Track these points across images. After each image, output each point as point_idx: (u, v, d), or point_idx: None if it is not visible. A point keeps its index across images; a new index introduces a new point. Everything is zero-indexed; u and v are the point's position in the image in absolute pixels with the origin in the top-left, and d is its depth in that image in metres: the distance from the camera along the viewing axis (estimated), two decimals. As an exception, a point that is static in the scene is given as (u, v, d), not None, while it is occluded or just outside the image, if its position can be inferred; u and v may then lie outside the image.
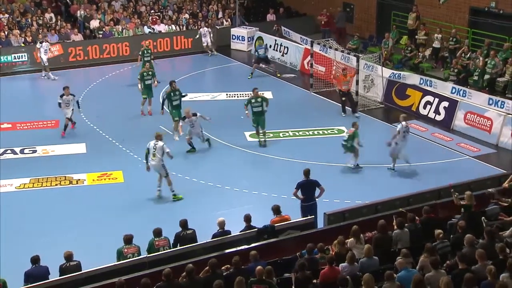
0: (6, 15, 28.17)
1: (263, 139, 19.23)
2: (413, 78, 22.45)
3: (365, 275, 9.79)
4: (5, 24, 27.67)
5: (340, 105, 22.17)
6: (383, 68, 23.26)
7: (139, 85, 21.68)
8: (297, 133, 20.45)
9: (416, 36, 26.36)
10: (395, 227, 11.89)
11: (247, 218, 12.76)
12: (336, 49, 23.93)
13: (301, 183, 14.13)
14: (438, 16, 26.59)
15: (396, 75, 22.79)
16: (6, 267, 11.20)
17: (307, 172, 14.26)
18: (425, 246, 10.77)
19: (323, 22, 30.30)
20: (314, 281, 10.48)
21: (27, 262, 11.36)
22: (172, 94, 19.73)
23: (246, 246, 11.90)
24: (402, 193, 14.34)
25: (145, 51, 24.59)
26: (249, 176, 17.42)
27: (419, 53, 25.51)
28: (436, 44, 25.48)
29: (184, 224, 12.55)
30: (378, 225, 11.80)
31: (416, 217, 12.21)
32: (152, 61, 24.20)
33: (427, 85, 21.93)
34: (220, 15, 31.75)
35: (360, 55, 23.58)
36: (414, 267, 10.49)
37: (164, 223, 12.82)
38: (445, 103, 21.25)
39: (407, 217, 12.16)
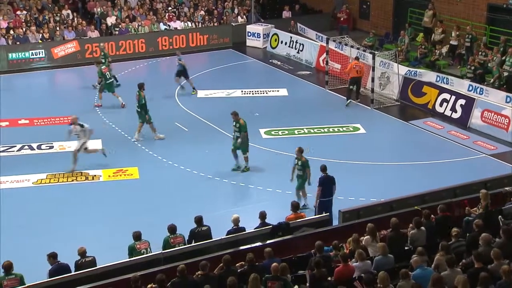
0: (24, 12, 28.39)
1: (243, 166, 17.59)
2: (429, 76, 22.33)
3: (380, 273, 9.77)
4: (23, 20, 27.90)
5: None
6: (399, 65, 23.16)
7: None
8: (312, 130, 20.42)
9: (433, 34, 26.20)
10: (412, 227, 11.81)
11: (262, 215, 12.78)
12: (352, 46, 23.85)
13: (322, 179, 14.16)
14: (455, 13, 26.42)
15: (412, 73, 22.68)
16: (23, 262, 11.27)
17: (324, 168, 14.37)
18: (440, 245, 10.72)
19: (342, 19, 30.33)
20: (329, 278, 10.45)
21: (43, 257, 11.43)
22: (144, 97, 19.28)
23: (261, 243, 11.89)
24: (418, 191, 14.26)
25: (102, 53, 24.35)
26: (263, 173, 17.43)
27: (436, 51, 25.35)
28: (453, 41, 25.30)
29: (199, 220, 12.60)
30: (392, 223, 11.75)
31: (432, 215, 12.17)
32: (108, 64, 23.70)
33: (444, 83, 21.80)
34: (235, 12, 31.77)
35: (376, 52, 23.49)
36: (429, 265, 10.44)
37: (179, 219, 12.85)
38: (462, 101, 21.12)
39: (423, 213, 12.11)
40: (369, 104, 22.47)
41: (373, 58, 22.48)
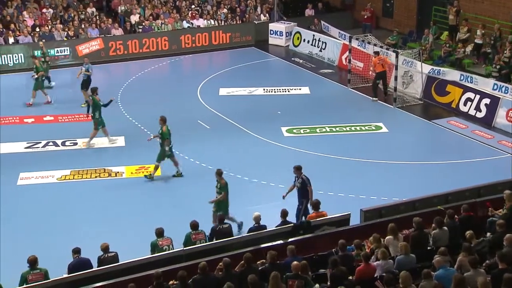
0: (50, 10, 28.72)
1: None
2: (453, 75, 22.13)
3: (402, 273, 9.73)
4: (48, 18, 28.22)
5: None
6: (423, 64, 22.99)
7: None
8: (334, 129, 20.36)
9: (458, 33, 25.97)
10: (434, 226, 11.73)
11: (284, 213, 12.78)
12: (375, 45, 23.73)
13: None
14: (480, 11, 26.15)
15: (436, 71, 22.49)
16: (47, 258, 11.41)
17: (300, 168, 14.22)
18: (462, 245, 10.64)
19: (366, 17, 30.24)
20: (350, 277, 10.45)
21: (67, 253, 11.58)
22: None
23: (282, 241, 11.88)
24: (441, 190, 14.15)
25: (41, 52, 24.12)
26: (285, 171, 17.33)
27: (460, 49, 25.12)
28: (478, 40, 25.04)
29: (221, 218, 12.65)
30: (415, 222, 11.68)
31: (455, 215, 12.08)
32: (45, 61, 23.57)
33: (468, 82, 21.59)
34: (258, 10, 31.78)
35: (399, 50, 23.34)
36: (452, 265, 10.38)
37: (201, 216, 12.90)
38: (487, 100, 20.90)
39: (447, 213, 12.01)
40: (392, 103, 22.35)
41: (396, 57, 22.33)
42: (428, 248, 11.48)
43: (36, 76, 21.80)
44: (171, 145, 16.68)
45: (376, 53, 22.85)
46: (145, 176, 16.86)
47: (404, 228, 12.09)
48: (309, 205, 13.65)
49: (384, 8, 31.87)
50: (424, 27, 27.59)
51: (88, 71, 21.93)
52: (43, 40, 25.64)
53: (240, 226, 14.07)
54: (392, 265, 10.64)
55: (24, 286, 10.74)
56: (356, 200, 15.21)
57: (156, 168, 16.81)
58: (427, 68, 22.91)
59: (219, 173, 14.11)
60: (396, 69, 22.43)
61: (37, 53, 23.80)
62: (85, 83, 21.86)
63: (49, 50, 24.53)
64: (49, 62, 23.77)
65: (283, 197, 14.12)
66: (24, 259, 11.16)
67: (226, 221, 13.27)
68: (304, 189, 13.94)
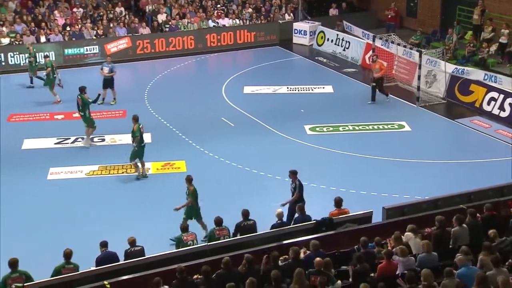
0: (80, 9, 29.21)
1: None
2: (477, 74, 22.07)
3: (424, 270, 9.74)
4: (78, 17, 28.72)
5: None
6: (446, 63, 22.97)
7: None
8: (356, 127, 20.47)
9: (482, 32, 25.87)
10: (454, 224, 11.81)
11: (300, 208, 12.95)
12: (398, 44, 23.77)
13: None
14: (505, 11, 26.00)
15: (460, 71, 22.45)
16: (75, 251, 11.55)
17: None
18: (482, 244, 10.66)
19: (389, 16, 30.23)
20: (372, 274, 10.50)
21: (95, 247, 11.85)
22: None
23: (304, 238, 11.96)
24: (464, 189, 14.14)
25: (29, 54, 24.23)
26: (308, 169, 17.48)
27: (484, 49, 25.04)
28: (503, 40, 24.93)
29: (245, 214, 12.80)
30: (437, 221, 11.69)
31: (478, 214, 12.10)
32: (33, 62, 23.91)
33: (492, 81, 21.51)
34: (283, 9, 31.95)
35: (423, 50, 23.35)
36: (474, 264, 10.39)
37: (225, 213, 13.05)
38: (511, 100, 20.82)
39: (468, 212, 12.01)
40: (415, 102, 22.37)
41: (420, 56, 22.36)
42: (450, 246, 11.49)
43: (45, 74, 22.34)
44: (143, 144, 16.73)
45: (374, 55, 22.84)
46: (136, 178, 16.87)
47: (426, 226, 12.11)
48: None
49: (408, 7, 31.81)
50: (448, 26, 27.52)
51: (112, 71, 22.20)
52: (34, 42, 25.84)
53: (206, 236, 13.74)
54: (414, 263, 10.67)
55: (56, 277, 11.04)
56: (378, 198, 15.29)
57: (135, 166, 16.84)
58: (450, 67, 22.87)
59: (188, 180, 14.02)
60: (420, 68, 22.45)
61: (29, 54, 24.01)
62: (108, 82, 22.21)
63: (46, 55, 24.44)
64: (35, 64, 23.88)
65: (282, 205, 13.91)
66: (54, 252, 11.43)
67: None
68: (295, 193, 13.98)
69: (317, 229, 12.48)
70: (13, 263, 10.96)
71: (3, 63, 24.29)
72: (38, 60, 24.27)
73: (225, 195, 15.97)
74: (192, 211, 13.94)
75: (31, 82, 23.90)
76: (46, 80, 22.53)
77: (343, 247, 11.71)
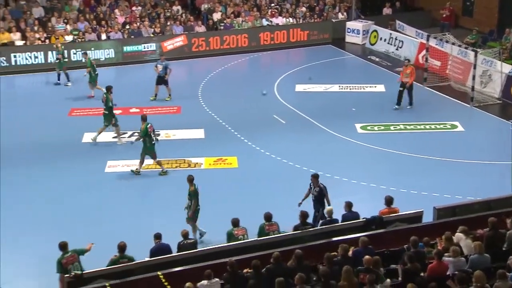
0: (139, 8, 29.90)
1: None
2: (534, 75, 21.68)
3: (476, 272, 9.67)
4: (137, 16, 29.41)
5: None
6: (503, 63, 22.59)
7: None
8: (408, 127, 20.37)
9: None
10: (509, 226, 11.69)
11: (348, 205, 13.01)
12: (453, 44, 23.51)
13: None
14: None
15: (517, 71, 22.09)
16: (130, 242, 11.83)
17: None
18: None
19: (444, 15, 29.88)
20: (421, 274, 10.44)
21: (149, 238, 12.18)
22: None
23: (354, 235, 11.96)
24: (518, 191, 13.96)
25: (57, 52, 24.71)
26: (358, 167, 17.60)
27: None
28: None
29: (305, 215, 12.71)
30: (490, 222, 11.54)
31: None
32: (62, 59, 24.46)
33: (549, 82, 21.11)
34: (336, 8, 31.94)
35: (478, 50, 23.02)
36: (528, 268, 10.22)
37: (275, 209, 13.16)
38: None
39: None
40: (469, 102, 22.10)
41: (475, 56, 22.06)
42: (504, 249, 11.33)
43: (85, 74, 22.86)
44: (153, 142, 16.99)
45: (407, 61, 22.44)
46: (159, 173, 17.11)
47: (477, 227, 11.96)
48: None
49: (464, 6, 31.33)
50: (505, 26, 26.97)
51: (167, 69, 22.52)
52: (58, 39, 26.27)
53: (201, 235, 14.02)
54: (464, 264, 10.60)
55: (110, 267, 11.41)
56: (429, 198, 15.21)
57: (159, 163, 17.16)
58: (507, 67, 22.50)
59: (189, 180, 13.97)
60: (474, 68, 22.16)
61: (56, 51, 24.62)
62: (161, 79, 22.61)
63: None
64: (63, 61, 24.47)
65: (299, 205, 13.80)
66: (111, 244, 11.72)
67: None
68: (321, 197, 13.86)
69: (366, 227, 12.51)
70: (63, 246, 11.46)
71: (66, 60, 25.07)
72: (66, 57, 24.94)
73: (275, 191, 16.12)
74: (194, 213, 13.96)
75: (58, 79, 24.48)
76: (90, 77, 22.91)
77: (392, 246, 11.68)
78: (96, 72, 22.89)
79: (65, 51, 25.31)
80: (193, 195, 13.93)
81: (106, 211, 15.39)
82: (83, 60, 23.63)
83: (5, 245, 13.69)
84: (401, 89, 21.72)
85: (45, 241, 13.31)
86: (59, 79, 24.55)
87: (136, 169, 17.16)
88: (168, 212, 15.08)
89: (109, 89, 19.21)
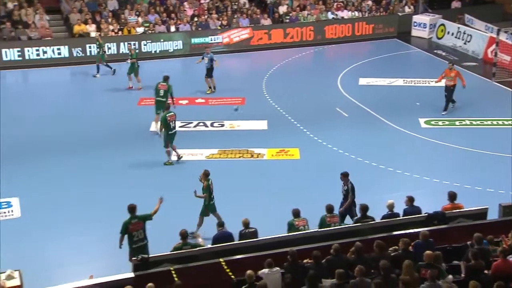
0: (207, 0, 30.35)
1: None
2: None
3: None
4: (205, 8, 29.88)
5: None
6: None
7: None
8: (474, 122, 20.01)
9: None
10: None
11: (410, 199, 12.93)
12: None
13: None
14: None
15: None
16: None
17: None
18: None
19: (515, 9, 29.15)
20: (485, 272, 10.33)
21: (211, 225, 12.54)
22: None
23: (415, 230, 11.85)
24: None
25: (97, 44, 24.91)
26: (421, 162, 17.43)
27: None
28: None
29: (364, 208, 12.73)
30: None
31: None
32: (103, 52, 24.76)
33: None
34: (403, 2, 31.53)
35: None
36: None
37: (336, 201, 13.26)
38: None
39: None
40: (538, 98, 21.55)
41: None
42: None
43: (129, 62, 23.29)
44: (173, 131, 17.09)
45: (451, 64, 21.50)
46: (176, 161, 17.34)
47: (549, 226, 11.74)
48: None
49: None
50: None
51: (212, 61, 22.67)
52: (100, 34, 26.76)
53: (193, 233, 13.70)
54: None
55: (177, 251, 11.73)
56: (495, 195, 14.94)
57: (167, 153, 17.29)
58: None
59: (204, 174, 13.89)
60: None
61: (98, 44, 25.00)
62: (209, 71, 22.86)
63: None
64: (102, 54, 24.87)
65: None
66: (171, 229, 12.08)
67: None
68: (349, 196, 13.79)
69: (428, 222, 12.43)
70: (132, 209, 11.96)
71: (137, 51, 25.71)
72: (105, 50, 25.44)
73: (336, 184, 15.88)
74: (209, 207, 13.97)
75: (98, 72, 24.98)
76: (129, 68, 23.36)
77: (455, 242, 11.60)
78: (138, 65, 23.30)
79: (106, 44, 25.86)
80: (205, 191, 13.88)
81: (169, 199, 15.41)
82: (130, 53, 23.80)
83: (79, 226, 14.21)
84: (446, 93, 20.92)
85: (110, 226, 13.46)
86: (98, 72, 24.93)
87: (179, 155, 17.43)
88: (232, 200, 15.12)
89: (166, 78, 19.49)
